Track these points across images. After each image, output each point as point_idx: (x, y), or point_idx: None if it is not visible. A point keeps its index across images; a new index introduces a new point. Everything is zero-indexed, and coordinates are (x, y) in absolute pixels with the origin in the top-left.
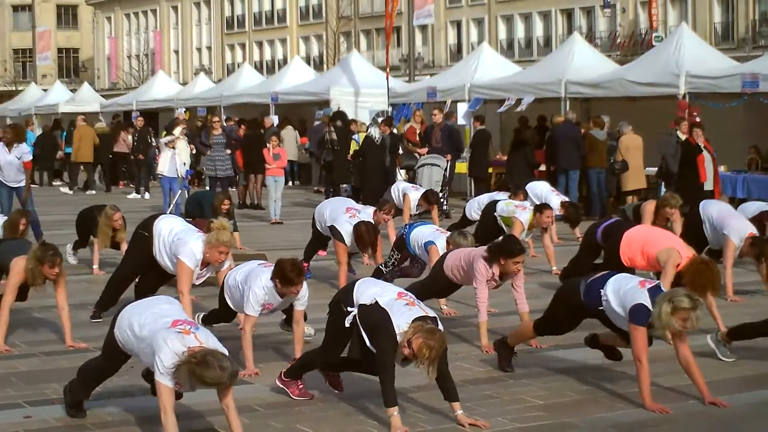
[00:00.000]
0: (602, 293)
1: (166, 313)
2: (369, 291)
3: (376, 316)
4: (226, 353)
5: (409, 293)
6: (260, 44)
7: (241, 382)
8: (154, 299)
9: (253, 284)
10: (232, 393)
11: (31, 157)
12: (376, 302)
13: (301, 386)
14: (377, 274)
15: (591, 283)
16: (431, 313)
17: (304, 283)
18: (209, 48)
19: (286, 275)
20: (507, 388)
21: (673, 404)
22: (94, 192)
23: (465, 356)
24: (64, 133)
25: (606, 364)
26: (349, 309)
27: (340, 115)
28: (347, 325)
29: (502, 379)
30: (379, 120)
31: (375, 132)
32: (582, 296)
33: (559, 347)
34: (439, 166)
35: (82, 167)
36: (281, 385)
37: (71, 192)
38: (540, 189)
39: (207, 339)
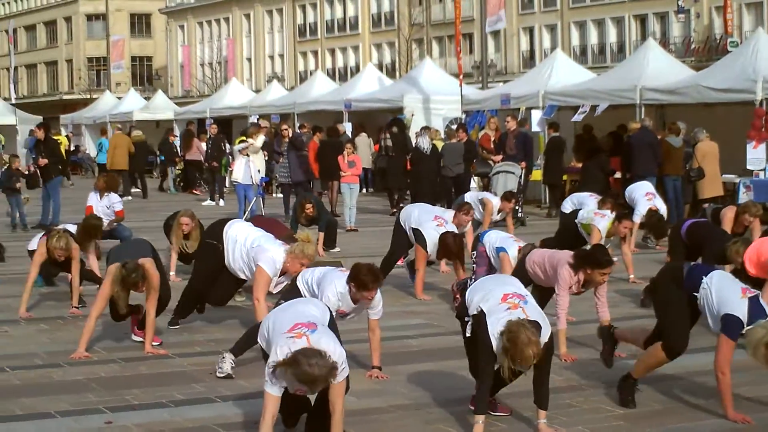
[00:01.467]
0: (704, 281)
1: (289, 318)
2: (475, 299)
3: (479, 326)
4: (337, 355)
5: (518, 294)
6: (332, 51)
7: None
8: (290, 304)
9: (326, 289)
10: (338, 395)
11: (122, 207)
12: (482, 310)
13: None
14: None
15: (695, 267)
16: (533, 317)
17: (378, 292)
18: (281, 55)
19: (361, 278)
20: (586, 397)
21: (755, 414)
22: (130, 198)
23: None
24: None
25: (685, 374)
26: (466, 319)
27: (397, 122)
28: (468, 335)
29: (582, 387)
30: (453, 127)
31: (424, 142)
32: (684, 276)
33: (638, 357)
34: (513, 173)
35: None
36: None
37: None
38: (635, 190)
39: (320, 340)
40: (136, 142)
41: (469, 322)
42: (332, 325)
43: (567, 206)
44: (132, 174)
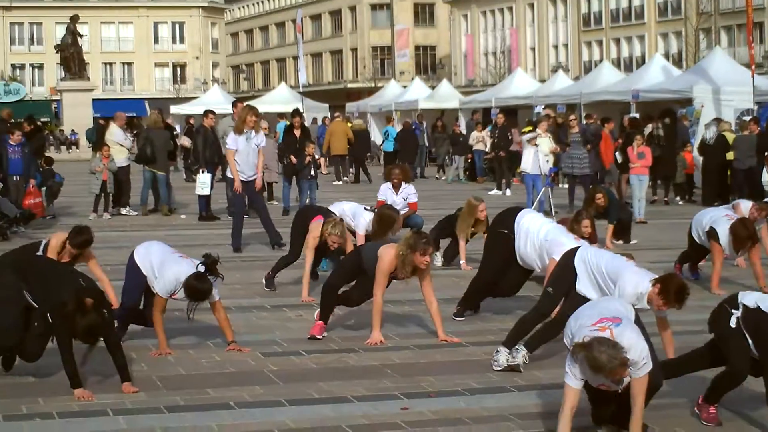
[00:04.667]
0: None
1: (595, 314)
2: (752, 294)
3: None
4: (639, 349)
5: None
6: (617, 41)
7: None
8: (596, 301)
9: (626, 286)
10: (639, 390)
11: (416, 199)
12: (759, 308)
13: (712, 411)
14: None
15: None
16: None
17: None
18: (566, 45)
19: (671, 293)
20: None
21: None
22: (347, 180)
23: None
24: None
25: None
26: (733, 311)
27: (668, 112)
28: (732, 326)
29: None
30: (746, 119)
31: (710, 133)
32: None
33: None
34: None
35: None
36: (696, 409)
37: (340, 182)
38: None
39: (622, 333)
40: (356, 130)
41: (737, 315)
42: (638, 321)
43: None
44: (354, 160)
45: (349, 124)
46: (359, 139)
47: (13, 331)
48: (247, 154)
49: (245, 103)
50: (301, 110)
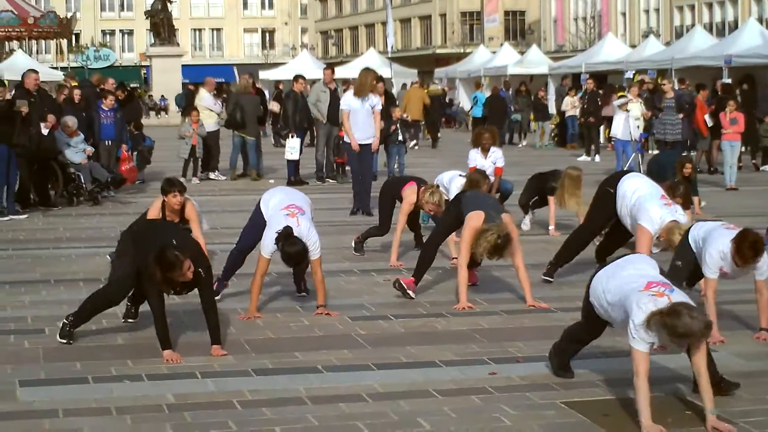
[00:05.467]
0: None
1: (639, 274)
2: None
3: None
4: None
5: None
6: (710, 6)
7: None
8: (627, 259)
9: (710, 246)
10: (703, 360)
11: (503, 163)
12: None
13: None
14: None
15: None
16: None
17: (765, 255)
18: (657, 10)
19: (743, 251)
20: None
21: None
22: (416, 147)
23: None
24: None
25: None
26: None
27: (746, 78)
28: None
29: None
30: None
31: None
32: None
33: None
34: None
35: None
36: None
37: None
38: None
39: (679, 300)
40: (433, 95)
41: None
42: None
43: None
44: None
45: (426, 90)
46: (435, 104)
47: (123, 292)
48: (359, 116)
49: (365, 67)
50: (390, 75)
